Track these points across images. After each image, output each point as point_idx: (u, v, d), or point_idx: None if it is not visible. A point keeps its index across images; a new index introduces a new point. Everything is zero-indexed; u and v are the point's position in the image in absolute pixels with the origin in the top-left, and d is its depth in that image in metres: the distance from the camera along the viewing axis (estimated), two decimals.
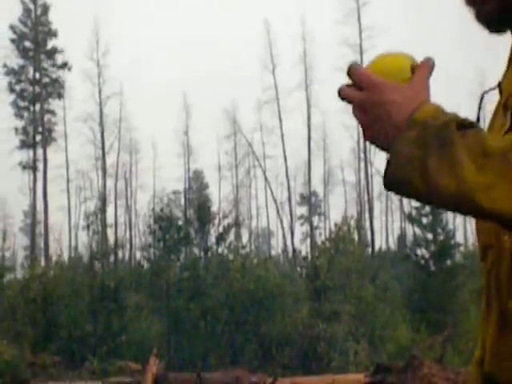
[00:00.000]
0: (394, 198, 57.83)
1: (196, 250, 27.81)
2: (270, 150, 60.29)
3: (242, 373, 16.47)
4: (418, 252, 28.41)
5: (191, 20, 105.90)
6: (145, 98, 77.38)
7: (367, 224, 50.22)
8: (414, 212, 30.26)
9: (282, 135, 57.83)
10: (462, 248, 35.86)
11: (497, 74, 1.83)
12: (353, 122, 54.31)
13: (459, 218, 48.06)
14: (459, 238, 44.21)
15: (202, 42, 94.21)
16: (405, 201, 56.32)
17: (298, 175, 60.08)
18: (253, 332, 23.46)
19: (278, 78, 57.39)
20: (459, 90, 60.63)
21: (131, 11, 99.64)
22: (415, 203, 31.51)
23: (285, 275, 31.65)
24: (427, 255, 27.93)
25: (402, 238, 44.64)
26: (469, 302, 26.44)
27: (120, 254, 48.89)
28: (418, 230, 29.43)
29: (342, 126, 55.26)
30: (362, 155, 55.29)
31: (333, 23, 53.79)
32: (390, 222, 61.23)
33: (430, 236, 28.22)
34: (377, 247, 46.69)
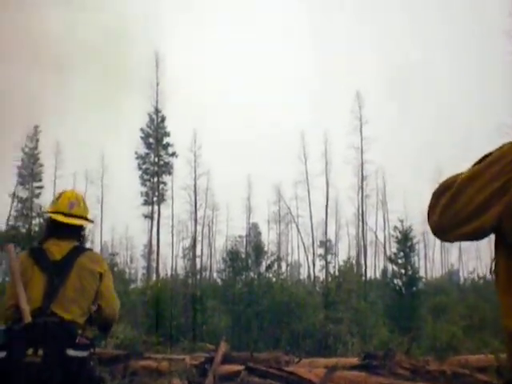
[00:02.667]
0: (380, 245, 57.90)
1: (252, 274, 27.82)
2: (301, 212, 60.67)
3: (279, 354, 16.48)
4: (395, 281, 28.27)
5: (251, 118, 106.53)
6: (222, 175, 78.23)
7: (362, 261, 50.27)
8: (392, 255, 30.16)
9: (310, 203, 58.08)
10: (423, 279, 35.42)
11: None
12: (355, 196, 54.81)
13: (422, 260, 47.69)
14: (422, 272, 43.86)
15: (259, 138, 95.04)
16: (387, 247, 56.42)
17: (319, 228, 60.16)
18: (287, 328, 23.41)
19: (308, 167, 57.85)
20: None
21: (220, 118, 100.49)
22: (394, 249, 31.72)
23: (308, 293, 31.54)
24: (400, 283, 27.78)
25: (384, 271, 44.22)
26: (426, 314, 26.29)
27: (203, 274, 49.00)
28: (395, 267, 29.31)
29: (348, 198, 55.62)
30: (360, 217, 55.38)
31: (345, 133, 54.19)
32: (377, 261, 61.09)
33: (402, 271, 28.08)
34: (368, 277, 46.49)
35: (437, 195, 1.68)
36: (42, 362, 3.37)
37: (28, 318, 3.50)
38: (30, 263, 3.72)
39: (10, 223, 32.33)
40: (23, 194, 54.33)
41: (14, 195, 52.45)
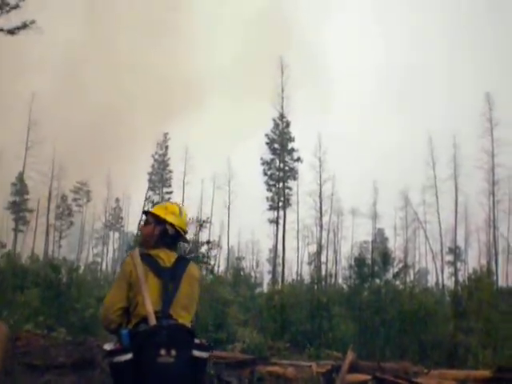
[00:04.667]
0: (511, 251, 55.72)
1: (378, 281, 27.48)
2: (429, 218, 59.41)
3: (407, 364, 16.22)
4: None
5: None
6: (347, 181, 78.05)
7: (494, 269, 48.36)
8: None
9: (438, 208, 56.74)
10: None
11: None
12: (486, 201, 52.85)
13: None
14: None
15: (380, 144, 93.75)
16: None
17: (447, 235, 58.60)
18: (415, 337, 22.90)
19: (436, 171, 56.54)
20: None
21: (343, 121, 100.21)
22: None
23: (437, 301, 30.74)
24: None
25: None
26: None
27: (329, 281, 48.93)
28: None
29: (478, 204, 53.82)
30: (491, 223, 53.37)
31: (475, 136, 52.53)
32: (510, 269, 58.63)
33: None
34: (499, 285, 44.77)
35: None
36: (176, 363, 3.59)
37: (153, 321, 3.69)
38: (145, 268, 3.90)
39: None
40: (154, 198, 56.54)
41: (146, 200, 54.70)
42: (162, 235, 4.16)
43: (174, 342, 3.64)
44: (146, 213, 4.39)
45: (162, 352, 3.55)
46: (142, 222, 4.57)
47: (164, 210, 4.25)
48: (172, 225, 4.18)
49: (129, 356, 3.53)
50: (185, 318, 3.92)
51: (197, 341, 3.82)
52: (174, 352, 3.58)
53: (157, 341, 3.59)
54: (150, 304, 3.74)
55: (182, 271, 4.04)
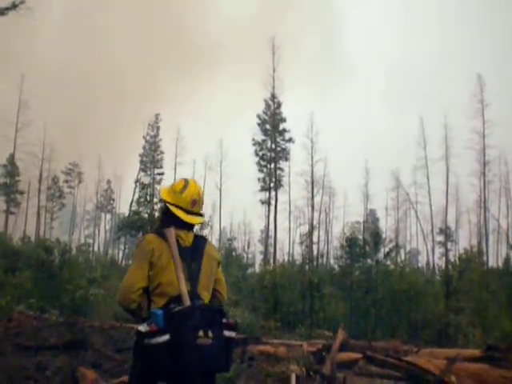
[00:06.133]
0: (503, 233, 55.86)
1: (370, 261, 27.61)
2: (420, 199, 59.57)
3: (397, 343, 16.32)
4: None
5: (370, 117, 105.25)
6: (339, 162, 78.07)
7: (484, 249, 48.64)
8: None
9: (429, 189, 56.91)
10: None
11: None
12: (476, 182, 53.02)
13: None
14: None
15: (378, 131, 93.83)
16: (510, 234, 54.23)
17: (438, 215, 58.81)
18: (405, 317, 23.12)
19: (427, 152, 56.59)
20: None
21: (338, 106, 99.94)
22: None
23: (427, 281, 30.96)
24: None
25: (507, 260, 42.39)
26: None
27: (320, 261, 49.08)
28: None
29: (469, 184, 53.93)
30: (482, 204, 53.59)
31: (465, 117, 52.47)
32: (500, 249, 58.83)
33: None
34: (490, 265, 45.09)
35: None
36: (213, 344, 3.54)
37: (187, 302, 3.66)
38: (165, 248, 3.82)
39: (133, 208, 33.59)
40: (145, 180, 56.34)
41: (136, 182, 54.52)
42: (169, 215, 4.05)
43: (210, 322, 3.60)
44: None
45: (201, 333, 3.50)
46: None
47: (168, 189, 4.14)
48: (172, 204, 4.05)
49: (166, 337, 3.45)
50: (206, 298, 3.90)
51: (224, 320, 3.77)
52: (210, 333, 3.54)
53: (194, 322, 3.53)
54: (184, 284, 3.72)
55: (201, 250, 3.99)
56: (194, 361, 3.45)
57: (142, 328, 3.56)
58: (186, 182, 4.15)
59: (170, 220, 4.03)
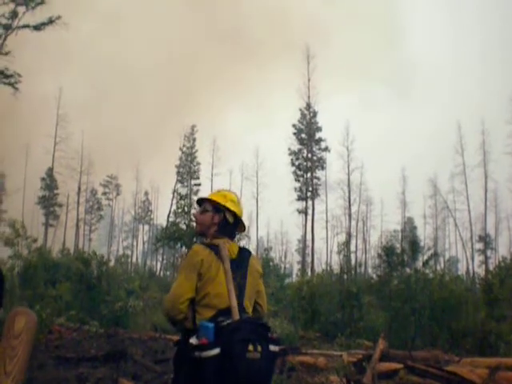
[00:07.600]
0: None
1: (408, 270, 27.36)
2: (459, 206, 58.90)
3: (438, 352, 16.14)
4: None
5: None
6: (376, 170, 77.77)
7: None
8: None
9: (467, 196, 56.28)
10: None
11: None
12: None
13: None
14: None
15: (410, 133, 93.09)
16: None
17: (477, 223, 58.10)
18: (446, 325, 22.78)
19: (465, 158, 56.02)
20: None
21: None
22: None
23: (468, 289, 30.55)
24: None
25: None
26: None
27: (358, 270, 48.82)
28: None
29: (508, 190, 53.25)
30: None
31: (504, 121, 51.83)
32: None
33: None
34: None
35: None
36: (262, 358, 3.52)
37: (237, 315, 3.66)
38: (214, 259, 3.84)
39: (171, 219, 33.87)
40: (182, 191, 56.77)
41: (174, 192, 55.01)
42: (223, 224, 4.09)
43: (258, 336, 3.59)
44: (201, 200, 4.28)
45: (250, 347, 3.49)
46: (196, 211, 4.37)
47: (223, 197, 4.15)
48: (233, 213, 4.10)
49: (217, 351, 3.44)
50: (250, 311, 3.93)
51: (269, 334, 3.75)
52: (259, 347, 3.53)
53: (243, 336, 3.53)
54: (234, 298, 3.72)
55: (246, 263, 4.01)
56: (243, 375, 3.45)
57: (193, 341, 3.56)
58: (234, 193, 4.24)
59: (223, 229, 4.08)
